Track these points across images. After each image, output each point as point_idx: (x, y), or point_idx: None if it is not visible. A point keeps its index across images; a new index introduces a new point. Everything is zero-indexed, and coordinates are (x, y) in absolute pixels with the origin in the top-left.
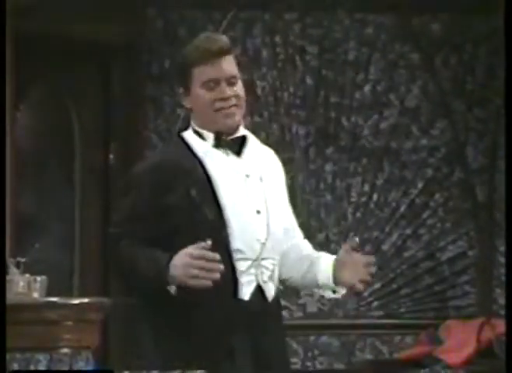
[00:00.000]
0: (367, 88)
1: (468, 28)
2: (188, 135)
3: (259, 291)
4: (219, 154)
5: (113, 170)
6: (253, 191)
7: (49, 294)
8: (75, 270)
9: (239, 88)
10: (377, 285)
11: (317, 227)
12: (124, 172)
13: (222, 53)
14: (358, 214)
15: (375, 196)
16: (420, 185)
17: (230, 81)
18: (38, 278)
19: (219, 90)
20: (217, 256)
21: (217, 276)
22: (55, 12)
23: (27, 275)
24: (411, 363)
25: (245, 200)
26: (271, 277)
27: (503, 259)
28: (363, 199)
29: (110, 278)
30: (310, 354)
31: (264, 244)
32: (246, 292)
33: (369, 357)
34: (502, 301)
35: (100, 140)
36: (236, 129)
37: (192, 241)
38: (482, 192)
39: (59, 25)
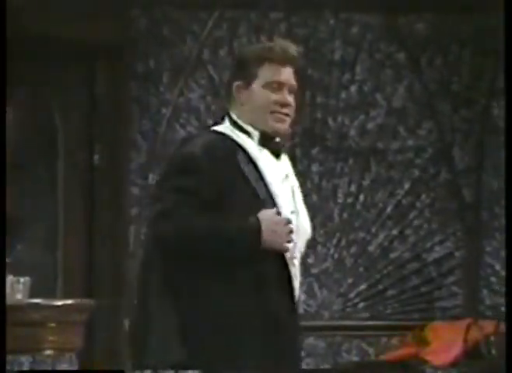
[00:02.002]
0: (353, 88)
1: (453, 28)
2: (226, 129)
3: (290, 290)
4: (263, 151)
5: (97, 171)
6: (289, 191)
7: (32, 296)
8: (58, 271)
9: (294, 100)
10: (363, 286)
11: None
12: (108, 172)
13: (294, 62)
14: (344, 215)
15: (361, 197)
16: (407, 185)
17: (290, 91)
18: (21, 279)
19: (281, 94)
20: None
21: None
22: (40, 13)
23: (10, 276)
24: (397, 364)
25: (285, 198)
26: (297, 276)
27: (490, 260)
28: (350, 200)
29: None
30: None
31: (296, 243)
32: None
33: (355, 358)
34: (488, 301)
35: (85, 140)
36: (281, 135)
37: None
38: (468, 192)
39: (43, 25)
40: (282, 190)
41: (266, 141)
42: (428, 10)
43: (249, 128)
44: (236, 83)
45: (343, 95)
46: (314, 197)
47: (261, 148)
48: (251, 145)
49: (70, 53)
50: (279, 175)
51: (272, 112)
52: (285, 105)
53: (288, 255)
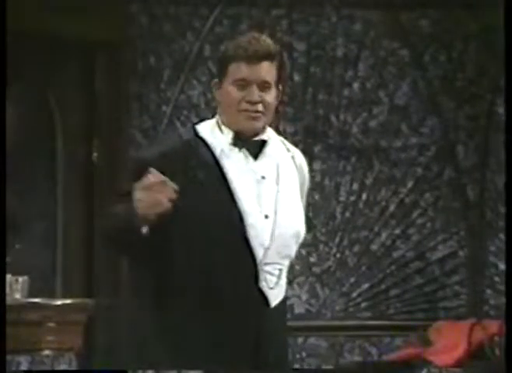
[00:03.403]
0: (356, 85)
1: (457, 24)
2: (206, 128)
3: (260, 296)
4: (236, 152)
5: (96, 168)
6: (265, 194)
7: (31, 295)
8: (57, 270)
9: (270, 96)
10: (366, 286)
11: (305, 227)
12: (107, 169)
13: (262, 56)
14: (347, 214)
15: (364, 196)
16: (410, 184)
17: (262, 87)
18: (20, 279)
19: (248, 92)
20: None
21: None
22: (39, 9)
23: (9, 275)
24: (400, 365)
25: (256, 202)
26: (277, 283)
27: (494, 259)
28: (352, 198)
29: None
30: (298, 356)
31: (267, 249)
32: None
33: (357, 358)
34: (493, 301)
35: (83, 137)
36: (256, 133)
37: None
38: (472, 191)
39: (42, 21)
40: (253, 193)
41: (240, 140)
42: (431, 6)
43: (223, 128)
44: (214, 81)
45: (346, 92)
46: (316, 196)
47: (233, 148)
48: (223, 146)
49: (69, 50)
50: (252, 177)
51: (241, 110)
52: (252, 102)
53: (257, 260)
